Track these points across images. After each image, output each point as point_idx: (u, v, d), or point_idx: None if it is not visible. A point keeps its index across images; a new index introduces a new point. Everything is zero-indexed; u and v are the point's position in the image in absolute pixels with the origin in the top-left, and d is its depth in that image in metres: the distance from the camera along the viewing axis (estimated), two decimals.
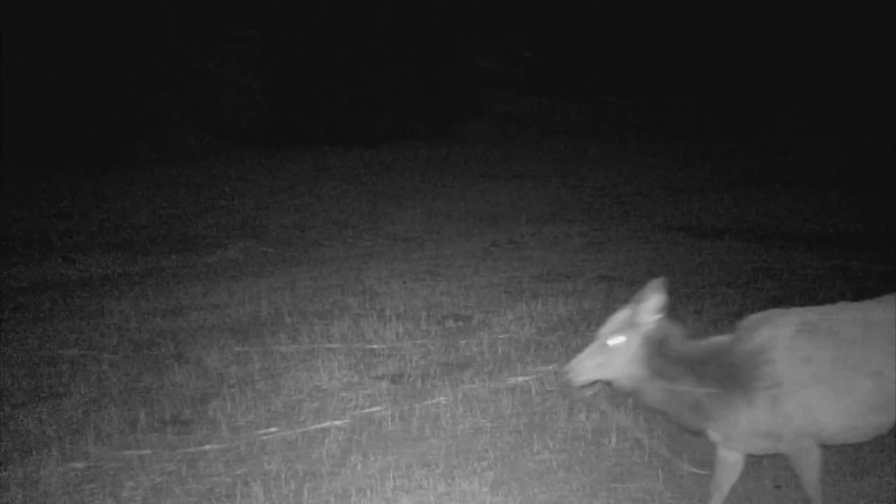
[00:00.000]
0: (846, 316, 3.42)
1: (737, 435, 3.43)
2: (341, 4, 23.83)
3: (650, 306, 3.40)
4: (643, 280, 8.55)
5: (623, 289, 7.59)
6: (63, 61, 19.98)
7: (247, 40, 24.55)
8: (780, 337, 3.34)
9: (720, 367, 3.40)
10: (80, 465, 4.59)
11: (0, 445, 4.87)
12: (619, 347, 3.41)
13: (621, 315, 3.48)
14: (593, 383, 3.53)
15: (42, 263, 10.47)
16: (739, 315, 6.68)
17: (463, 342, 6.21)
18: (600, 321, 3.57)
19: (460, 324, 6.76)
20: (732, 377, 3.36)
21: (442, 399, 5.20)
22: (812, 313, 3.45)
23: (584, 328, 6.21)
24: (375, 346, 6.26)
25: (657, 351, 3.41)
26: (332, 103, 23.57)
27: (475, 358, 5.94)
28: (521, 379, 5.46)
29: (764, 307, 6.78)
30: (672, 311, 3.49)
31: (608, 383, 3.54)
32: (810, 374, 3.29)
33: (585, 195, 14.96)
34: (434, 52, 24.88)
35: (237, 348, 6.38)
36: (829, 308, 3.51)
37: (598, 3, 27.14)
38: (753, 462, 4.18)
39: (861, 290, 7.28)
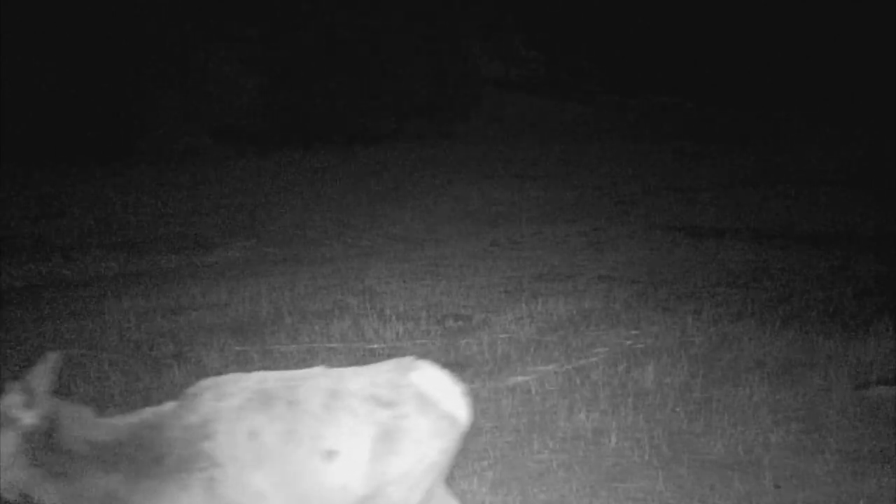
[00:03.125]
0: (315, 383, 2.90)
1: None
2: (341, 4, 23.85)
3: (36, 393, 2.71)
4: (643, 280, 8.56)
5: (623, 289, 7.60)
6: (63, 61, 19.98)
7: (246, 40, 24.55)
8: (226, 408, 2.79)
9: (143, 448, 2.78)
10: None
11: None
12: None
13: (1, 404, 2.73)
14: None
15: (42, 263, 10.47)
16: (739, 315, 6.74)
17: (463, 342, 6.21)
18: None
19: (460, 324, 6.76)
20: (161, 459, 2.76)
21: None
22: (275, 379, 2.92)
23: (584, 328, 6.21)
24: (375, 346, 6.25)
25: (46, 445, 2.71)
26: (332, 103, 23.59)
27: (475, 358, 5.93)
28: (521, 379, 5.46)
29: (763, 307, 6.84)
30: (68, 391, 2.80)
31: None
32: (254, 452, 2.76)
33: (585, 195, 14.95)
34: (435, 51, 24.91)
35: (237, 348, 6.37)
36: (302, 374, 2.99)
37: (597, 3, 27.16)
38: (753, 461, 4.18)
39: (861, 290, 7.29)
